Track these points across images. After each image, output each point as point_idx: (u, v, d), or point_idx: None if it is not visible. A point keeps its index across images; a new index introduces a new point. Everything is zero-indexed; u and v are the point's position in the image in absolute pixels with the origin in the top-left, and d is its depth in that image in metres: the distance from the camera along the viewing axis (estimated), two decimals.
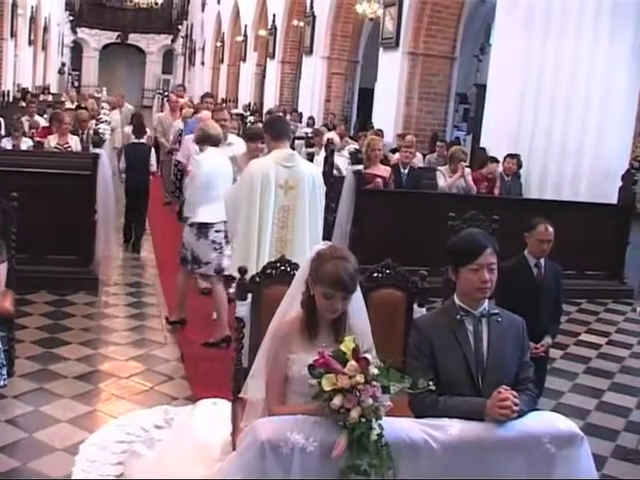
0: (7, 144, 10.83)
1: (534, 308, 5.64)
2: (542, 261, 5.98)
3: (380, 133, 14.74)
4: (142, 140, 11.16)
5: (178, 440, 4.87)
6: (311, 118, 20.88)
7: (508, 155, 11.11)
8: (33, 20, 31.03)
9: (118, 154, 12.42)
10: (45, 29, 36.38)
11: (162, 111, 18.02)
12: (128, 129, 13.12)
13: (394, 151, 13.59)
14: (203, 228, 7.17)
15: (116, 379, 6.17)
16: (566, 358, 7.71)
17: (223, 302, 7.21)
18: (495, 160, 10.91)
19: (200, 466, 4.35)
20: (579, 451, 3.44)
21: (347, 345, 3.29)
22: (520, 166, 11.41)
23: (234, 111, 19.85)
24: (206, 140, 7.44)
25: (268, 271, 4.42)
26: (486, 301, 3.72)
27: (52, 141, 10.64)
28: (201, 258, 7.19)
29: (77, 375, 6.15)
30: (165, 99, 19.87)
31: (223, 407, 5.01)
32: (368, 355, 3.30)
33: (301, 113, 22.58)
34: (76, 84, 44.20)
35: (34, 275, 7.76)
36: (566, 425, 3.48)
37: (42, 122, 14.16)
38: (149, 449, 4.84)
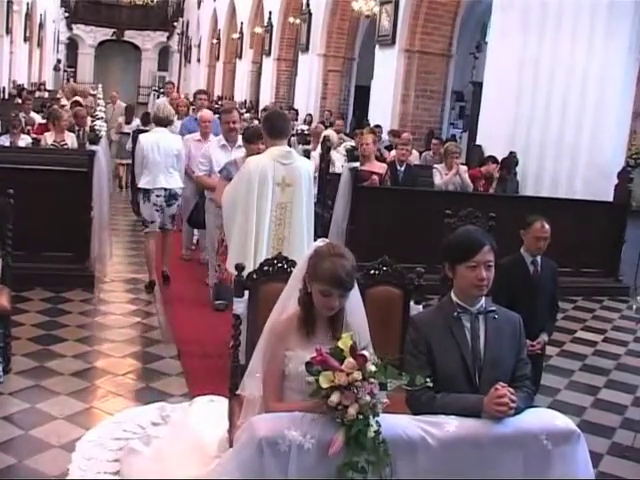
0: (5, 141, 10.81)
1: (530, 306, 5.65)
2: (538, 259, 5.99)
3: (377, 130, 14.75)
4: (147, 128, 12.53)
5: (175, 437, 4.87)
6: (309, 115, 20.86)
7: (507, 160, 11.14)
8: (28, 17, 30.94)
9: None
10: (41, 26, 36.30)
11: None
12: (122, 119, 16.48)
13: (388, 148, 13.58)
14: (145, 193, 8.56)
15: (112, 376, 6.17)
16: (562, 355, 7.73)
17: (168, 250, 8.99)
18: (495, 160, 10.92)
19: (197, 463, 4.35)
20: (576, 448, 3.44)
21: (344, 342, 3.29)
22: (516, 163, 11.42)
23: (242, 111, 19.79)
24: (157, 121, 8.82)
25: (265, 268, 4.41)
26: (483, 298, 3.72)
27: (49, 138, 10.64)
28: (147, 218, 8.63)
29: (73, 372, 6.14)
30: (161, 95, 19.86)
31: (220, 404, 5.02)
32: (365, 352, 3.29)
33: (297, 110, 22.56)
34: (71, 81, 44.09)
35: (30, 272, 7.75)
36: (563, 422, 3.49)
37: (38, 119, 14.14)
38: (146, 446, 4.84)
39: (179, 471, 4.34)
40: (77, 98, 17.86)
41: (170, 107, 9.35)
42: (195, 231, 10.23)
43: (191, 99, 17.44)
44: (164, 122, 8.73)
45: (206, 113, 10.18)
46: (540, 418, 3.50)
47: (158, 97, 21.87)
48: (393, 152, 11.79)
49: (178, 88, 19.08)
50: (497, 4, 12.94)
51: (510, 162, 11.24)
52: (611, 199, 10.74)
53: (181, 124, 11.52)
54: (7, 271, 6.01)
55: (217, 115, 10.81)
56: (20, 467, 4.66)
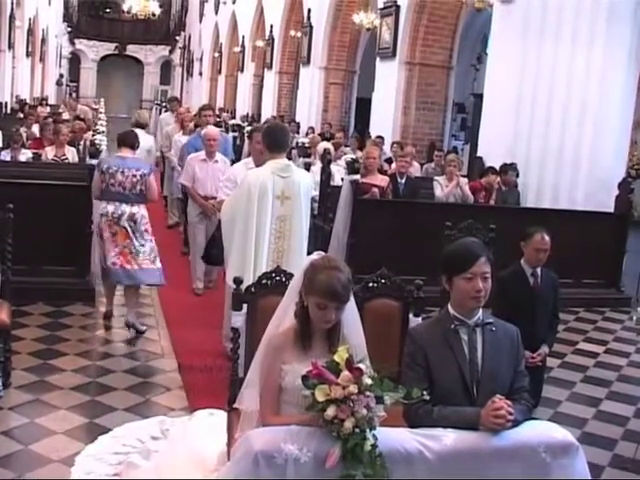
0: (6, 156, 10.83)
1: (530, 317, 5.66)
2: (539, 270, 5.99)
3: (379, 140, 14.77)
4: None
5: (174, 451, 4.86)
6: (311, 128, 20.87)
7: (505, 165, 11.10)
8: (31, 32, 31.08)
9: None
10: (43, 41, 36.48)
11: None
12: None
13: (389, 161, 13.59)
14: None
15: (112, 390, 6.15)
16: (564, 367, 7.70)
17: None
18: (495, 171, 10.92)
19: (196, 477, 4.35)
20: (574, 460, 3.42)
21: (340, 355, 3.28)
22: (517, 175, 11.41)
23: (231, 122, 19.69)
24: (137, 125, 11.22)
25: (263, 281, 4.41)
26: (480, 310, 3.71)
27: (49, 153, 10.66)
28: None
29: (74, 386, 6.14)
30: (164, 110, 19.75)
31: (219, 418, 5.01)
32: (362, 365, 3.28)
33: (299, 123, 22.61)
34: (74, 95, 44.24)
35: (31, 286, 7.78)
36: (561, 434, 3.47)
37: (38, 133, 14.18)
38: (145, 460, 4.83)
39: None
40: (82, 108, 17.96)
41: (146, 113, 12.30)
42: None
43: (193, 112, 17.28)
44: (142, 125, 11.63)
45: (211, 130, 9.52)
46: (538, 430, 3.48)
47: (160, 112, 21.67)
48: (394, 165, 11.80)
49: (180, 102, 18.84)
50: (497, 15, 12.96)
51: (506, 168, 11.12)
52: (612, 210, 10.72)
53: (186, 142, 10.87)
54: (7, 285, 6.01)
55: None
56: None
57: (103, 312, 7.97)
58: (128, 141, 7.78)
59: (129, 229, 7.46)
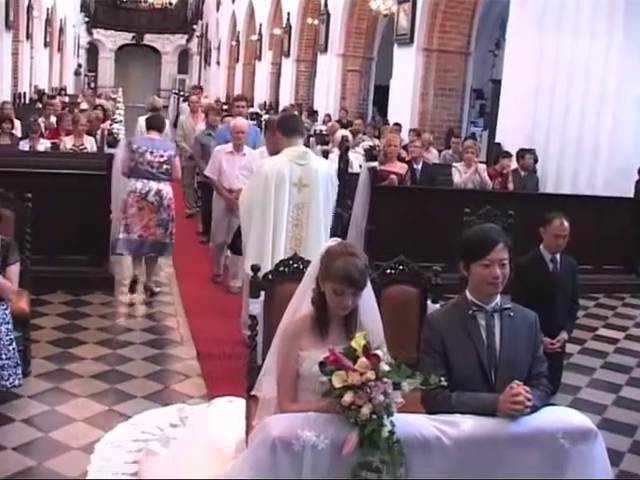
0: (25, 146, 10.89)
1: (550, 303, 5.64)
2: (558, 256, 5.97)
3: (397, 127, 14.73)
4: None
5: (193, 438, 4.88)
6: (328, 116, 20.83)
7: (523, 150, 11.00)
8: (49, 22, 31.23)
9: None
10: (61, 31, 36.64)
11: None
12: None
13: (405, 147, 13.54)
14: None
15: (131, 378, 6.17)
16: (583, 353, 7.66)
17: None
18: (508, 155, 10.84)
19: (215, 464, 4.36)
20: (593, 446, 3.40)
21: (358, 342, 3.28)
22: (536, 161, 11.32)
23: (249, 110, 19.64)
24: (152, 109, 12.01)
25: (281, 269, 4.41)
26: (498, 296, 3.69)
27: (68, 142, 10.70)
28: None
29: (93, 374, 6.16)
30: (182, 100, 19.79)
31: (238, 405, 5.01)
32: (379, 351, 3.28)
33: (316, 111, 22.55)
34: (92, 85, 44.42)
35: (50, 275, 7.79)
36: (580, 420, 3.45)
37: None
38: (164, 448, 4.84)
39: (196, 473, 4.35)
40: (101, 102, 18.02)
41: (159, 100, 13.64)
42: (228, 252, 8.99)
43: (211, 101, 17.21)
44: (157, 109, 12.18)
45: (240, 122, 9.10)
46: (557, 416, 3.47)
47: (179, 101, 21.69)
48: None
49: (202, 91, 18.73)
50: (514, 1, 12.86)
51: (524, 153, 11.01)
52: (632, 196, 10.63)
53: (199, 133, 10.98)
54: (26, 274, 6.03)
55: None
56: (40, 469, 4.69)
57: (129, 280, 8.35)
58: (156, 124, 8.55)
59: (155, 203, 8.11)
